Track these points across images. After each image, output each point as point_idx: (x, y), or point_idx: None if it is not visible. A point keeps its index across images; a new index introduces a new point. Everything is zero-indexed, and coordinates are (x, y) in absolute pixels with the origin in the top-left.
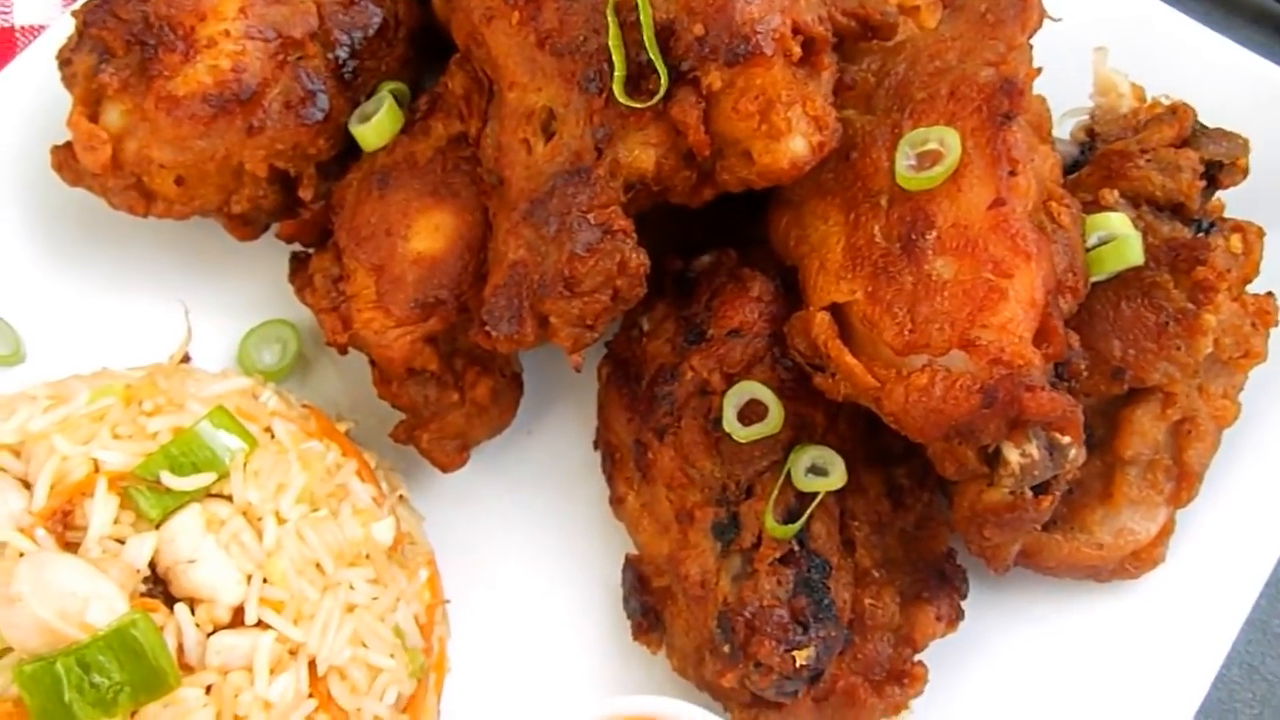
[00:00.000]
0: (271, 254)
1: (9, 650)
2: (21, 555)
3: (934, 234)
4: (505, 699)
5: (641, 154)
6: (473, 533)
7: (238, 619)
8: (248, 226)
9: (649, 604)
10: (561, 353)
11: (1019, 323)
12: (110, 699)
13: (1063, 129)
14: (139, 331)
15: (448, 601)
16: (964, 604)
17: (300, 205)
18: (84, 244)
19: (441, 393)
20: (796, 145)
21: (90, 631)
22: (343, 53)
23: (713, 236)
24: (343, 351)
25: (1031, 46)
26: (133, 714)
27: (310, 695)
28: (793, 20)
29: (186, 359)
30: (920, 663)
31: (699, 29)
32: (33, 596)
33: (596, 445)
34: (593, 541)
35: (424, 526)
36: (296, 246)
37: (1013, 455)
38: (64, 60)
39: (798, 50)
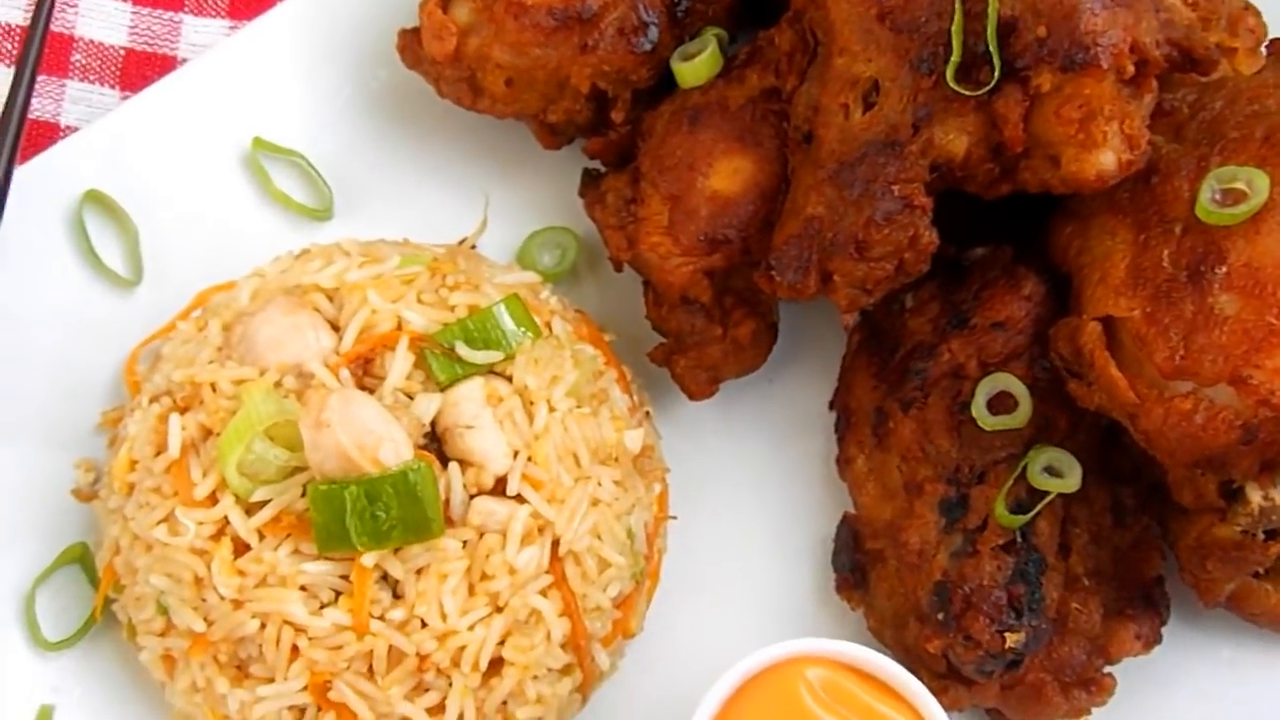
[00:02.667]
0: (560, 166)
1: (299, 470)
2: (325, 389)
3: (1224, 269)
4: (701, 621)
5: (956, 139)
6: (699, 463)
7: (499, 488)
8: (555, 136)
9: (858, 562)
10: (812, 313)
11: None
12: (384, 531)
13: None
14: (431, 212)
15: (673, 518)
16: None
17: (609, 126)
18: (402, 123)
19: (708, 325)
20: (1106, 159)
21: (380, 468)
22: None
23: (982, 232)
24: (618, 268)
25: None
26: (396, 550)
27: (548, 571)
28: (1133, 40)
29: (474, 246)
30: (1110, 674)
31: (1041, 30)
32: (339, 425)
33: (832, 405)
34: (811, 495)
35: (660, 445)
36: (590, 164)
37: (1255, 496)
38: None
39: (1131, 69)
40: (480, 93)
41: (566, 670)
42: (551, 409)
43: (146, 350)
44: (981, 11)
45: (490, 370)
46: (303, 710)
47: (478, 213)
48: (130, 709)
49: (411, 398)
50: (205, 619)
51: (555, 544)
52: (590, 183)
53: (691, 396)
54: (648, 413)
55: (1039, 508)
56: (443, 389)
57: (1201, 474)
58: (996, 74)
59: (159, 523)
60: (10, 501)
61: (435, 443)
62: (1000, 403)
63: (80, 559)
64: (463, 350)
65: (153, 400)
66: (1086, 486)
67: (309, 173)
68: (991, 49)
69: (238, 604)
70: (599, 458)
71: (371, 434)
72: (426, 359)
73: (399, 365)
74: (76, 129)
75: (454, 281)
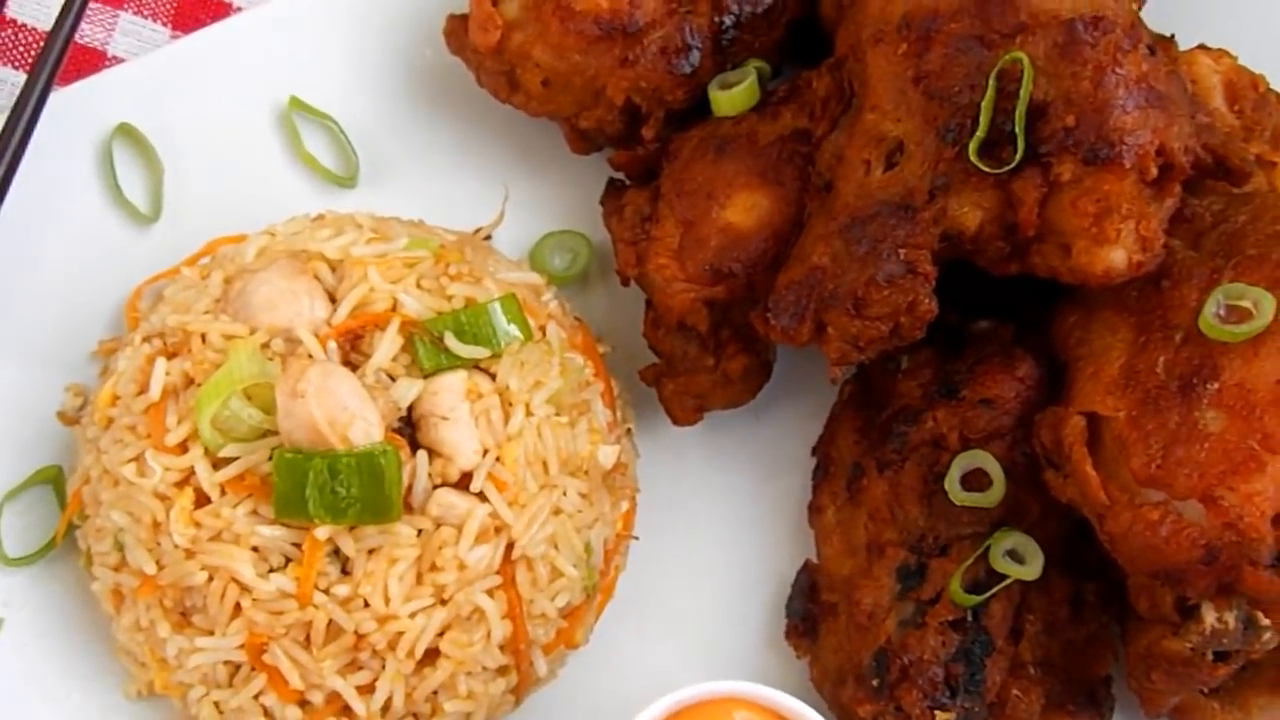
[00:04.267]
0: (585, 171)
1: (270, 433)
2: (311, 359)
3: (1215, 386)
4: (647, 643)
5: (970, 213)
6: (673, 488)
7: (463, 482)
8: (584, 142)
9: (811, 611)
10: (810, 359)
11: (1266, 499)
12: (341, 509)
13: None
14: (453, 196)
15: (635, 538)
16: None
17: (639, 141)
18: (438, 104)
19: (701, 354)
20: (1116, 257)
21: (347, 445)
22: (728, 20)
23: (989, 304)
24: (624, 283)
25: None
26: (351, 528)
27: (498, 572)
28: (1161, 143)
29: (488, 238)
30: None
31: (1070, 120)
32: (314, 398)
33: (814, 452)
34: (778, 536)
35: (637, 464)
36: (615, 175)
37: (1209, 616)
38: None
39: (1154, 172)
40: (517, 88)
41: (503, 671)
42: (529, 413)
43: (151, 288)
44: (1014, 91)
45: (475, 365)
46: (237, 667)
47: (497, 204)
48: (76, 635)
49: (394, 380)
50: (157, 562)
51: (510, 547)
52: (612, 193)
53: (675, 421)
54: (628, 430)
55: (994, 591)
56: (425, 376)
57: (1160, 585)
58: (1019, 155)
59: (129, 461)
60: None
61: (409, 428)
62: (975, 479)
63: (53, 481)
64: (451, 341)
65: (145, 340)
66: (1049, 576)
67: (339, 138)
68: (1018, 130)
69: (190, 553)
70: (569, 468)
71: (345, 411)
72: (414, 344)
73: (386, 346)
74: (123, 60)
75: (456, 271)
